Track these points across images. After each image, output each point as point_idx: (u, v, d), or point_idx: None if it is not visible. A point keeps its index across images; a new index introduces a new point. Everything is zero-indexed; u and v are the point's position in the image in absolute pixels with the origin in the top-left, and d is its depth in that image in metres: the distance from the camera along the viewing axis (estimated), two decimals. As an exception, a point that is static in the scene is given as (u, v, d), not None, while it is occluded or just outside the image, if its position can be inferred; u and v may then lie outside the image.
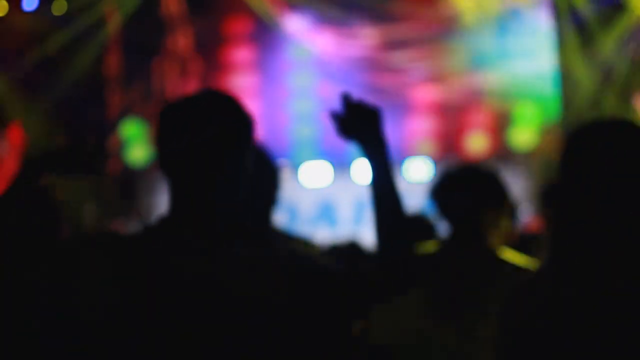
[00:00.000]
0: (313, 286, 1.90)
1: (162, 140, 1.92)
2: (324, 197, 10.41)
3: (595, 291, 1.74)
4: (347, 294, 1.92)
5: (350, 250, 4.91)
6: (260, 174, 2.55)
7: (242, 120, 1.93)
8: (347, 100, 2.02)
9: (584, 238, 1.78)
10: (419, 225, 4.23)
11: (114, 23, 9.92)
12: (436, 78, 10.66)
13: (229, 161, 1.90)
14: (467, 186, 2.92)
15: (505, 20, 10.29)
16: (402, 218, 1.98)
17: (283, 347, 1.86)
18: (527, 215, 8.39)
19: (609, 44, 8.86)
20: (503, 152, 10.35)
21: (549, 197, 3.89)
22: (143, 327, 1.79)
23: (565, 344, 1.73)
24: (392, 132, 8.31)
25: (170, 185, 1.92)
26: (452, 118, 10.67)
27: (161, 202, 10.39)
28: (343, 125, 2.04)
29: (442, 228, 3.11)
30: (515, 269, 2.81)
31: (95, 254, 1.85)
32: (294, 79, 10.68)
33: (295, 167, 10.16)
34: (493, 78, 10.54)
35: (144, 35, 10.11)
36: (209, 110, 1.91)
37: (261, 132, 9.55)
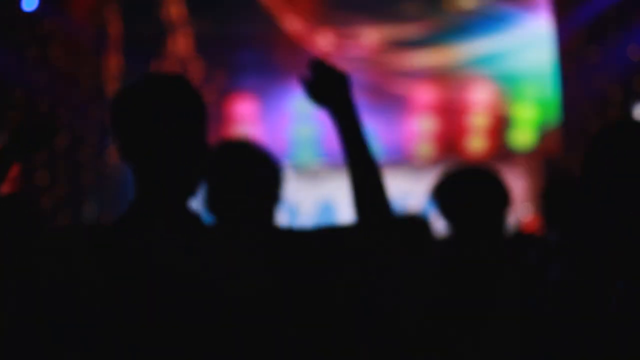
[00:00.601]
0: (290, 249, 1.90)
1: (127, 127, 1.87)
2: (324, 197, 10.41)
3: (627, 290, 1.73)
4: (325, 247, 1.93)
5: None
6: (264, 173, 2.56)
7: (204, 107, 1.92)
8: (315, 65, 2.05)
9: (611, 236, 1.78)
10: (414, 224, 4.24)
11: (115, 23, 9.93)
12: (436, 79, 10.67)
13: (195, 148, 1.88)
14: (469, 186, 2.92)
15: (506, 21, 10.30)
16: (379, 183, 1.99)
17: (274, 325, 1.86)
18: (527, 215, 8.39)
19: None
20: (503, 152, 10.35)
21: (549, 197, 3.90)
22: (126, 321, 1.78)
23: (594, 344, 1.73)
24: (392, 132, 8.27)
25: (136, 172, 1.89)
26: (452, 119, 10.67)
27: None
28: (313, 91, 2.06)
29: (439, 227, 3.11)
30: (520, 267, 2.82)
31: (78, 248, 1.84)
32: (294, 80, 10.68)
33: None
34: (493, 78, 10.55)
35: (145, 36, 10.12)
36: (175, 96, 1.88)
37: (261, 133, 9.50)
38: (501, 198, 2.94)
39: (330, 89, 2.04)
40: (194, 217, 1.91)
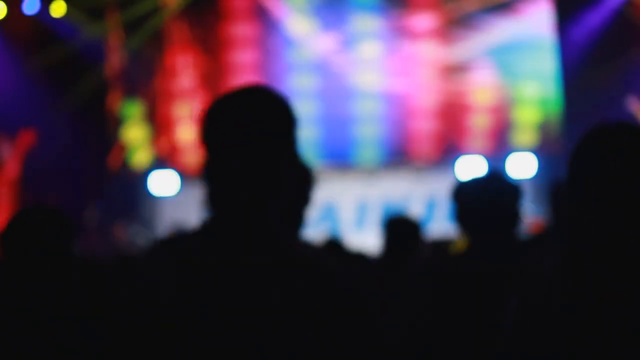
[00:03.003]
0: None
1: (216, 140, 1.80)
2: (326, 199, 10.38)
3: (609, 291, 1.73)
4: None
5: (329, 248, 4.94)
6: (299, 176, 2.58)
7: (294, 121, 1.87)
8: None
9: (593, 237, 1.77)
10: (406, 225, 4.26)
11: (116, 28, 9.95)
12: (437, 79, 10.67)
13: (279, 165, 1.84)
14: (491, 191, 2.88)
15: (507, 21, 10.32)
16: None
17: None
18: (529, 216, 8.39)
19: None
20: (503, 152, 10.35)
21: (555, 196, 3.89)
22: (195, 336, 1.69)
23: (579, 344, 1.72)
24: (393, 132, 8.26)
25: (214, 190, 1.80)
26: (453, 119, 10.67)
27: (162, 205, 10.41)
28: None
29: (430, 228, 3.09)
30: (531, 270, 2.80)
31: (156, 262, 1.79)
32: (295, 80, 10.69)
33: None
34: (494, 79, 10.56)
35: (145, 39, 10.15)
36: (266, 109, 1.84)
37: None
38: (520, 203, 2.90)
39: None
40: (277, 238, 1.79)
